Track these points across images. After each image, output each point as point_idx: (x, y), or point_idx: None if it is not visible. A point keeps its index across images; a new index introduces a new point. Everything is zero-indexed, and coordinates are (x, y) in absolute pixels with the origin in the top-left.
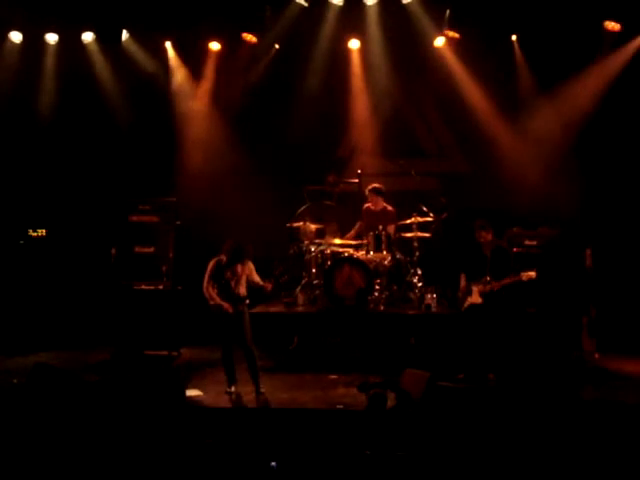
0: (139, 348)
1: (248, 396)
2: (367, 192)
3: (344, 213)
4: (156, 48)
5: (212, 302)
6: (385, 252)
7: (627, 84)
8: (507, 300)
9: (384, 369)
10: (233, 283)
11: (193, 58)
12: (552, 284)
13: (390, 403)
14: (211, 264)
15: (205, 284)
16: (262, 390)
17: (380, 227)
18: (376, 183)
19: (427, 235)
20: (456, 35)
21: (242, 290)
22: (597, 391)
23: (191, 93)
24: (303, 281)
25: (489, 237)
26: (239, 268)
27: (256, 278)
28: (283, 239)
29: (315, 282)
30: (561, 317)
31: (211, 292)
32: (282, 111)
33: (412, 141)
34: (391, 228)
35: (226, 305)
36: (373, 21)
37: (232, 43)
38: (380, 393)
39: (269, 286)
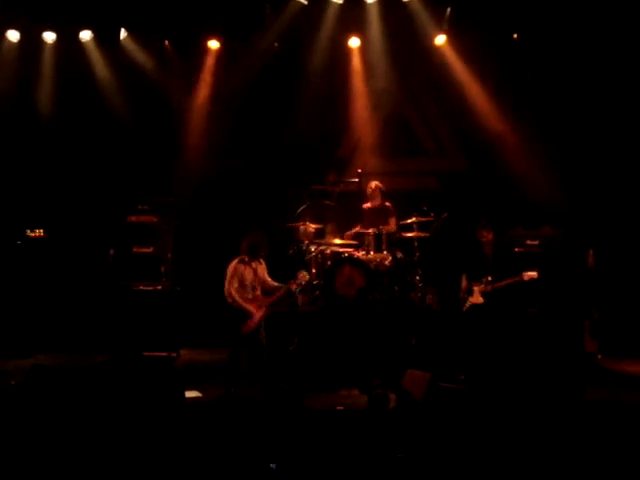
0: (138, 349)
1: (248, 396)
2: (371, 189)
3: (344, 213)
4: (155, 47)
5: (235, 305)
6: (385, 252)
7: (629, 82)
8: (509, 300)
9: (385, 370)
10: (256, 285)
11: (192, 57)
12: (554, 284)
13: (391, 404)
14: (233, 265)
15: (227, 285)
16: (263, 390)
17: (381, 226)
18: (378, 182)
19: (427, 235)
20: (457, 34)
21: (261, 292)
22: (600, 392)
23: (190, 92)
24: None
25: (490, 237)
26: (259, 269)
27: (269, 279)
28: (283, 239)
29: (315, 282)
30: (563, 318)
31: (234, 294)
32: (282, 110)
33: (412, 140)
34: (392, 222)
35: (251, 308)
36: (373, 19)
37: (231, 42)
38: (382, 394)
39: (293, 286)
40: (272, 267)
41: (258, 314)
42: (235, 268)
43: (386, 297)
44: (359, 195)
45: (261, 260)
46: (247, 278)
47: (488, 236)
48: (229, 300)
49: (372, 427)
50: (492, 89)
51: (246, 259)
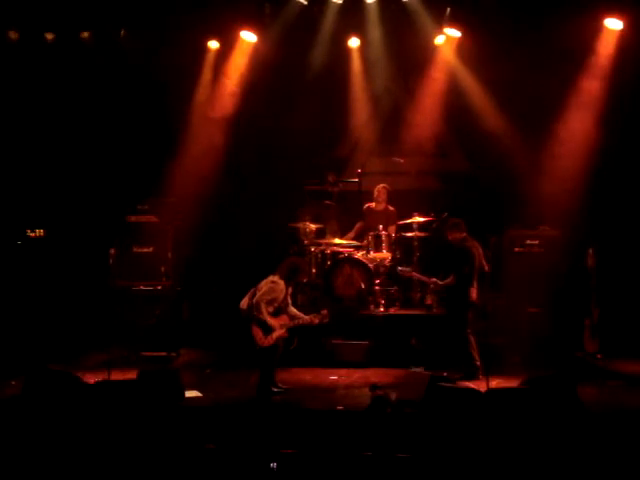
0: (137, 349)
1: (247, 397)
2: (378, 192)
3: (344, 213)
4: (154, 47)
5: (260, 317)
6: (385, 252)
7: (629, 81)
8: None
9: (385, 370)
10: (282, 305)
11: (192, 57)
12: (554, 284)
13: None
14: (273, 281)
15: (259, 298)
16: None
17: (381, 227)
18: (386, 184)
19: (427, 235)
20: (457, 34)
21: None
22: (599, 392)
23: (190, 92)
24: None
25: (458, 236)
26: (289, 292)
27: (291, 304)
28: (283, 239)
29: (315, 282)
30: (563, 317)
31: (263, 309)
32: (281, 110)
33: (412, 140)
34: (392, 228)
35: (275, 324)
36: (373, 19)
37: (231, 42)
38: (382, 396)
39: (316, 320)
40: (272, 267)
41: (277, 332)
42: (274, 285)
43: (386, 297)
44: (359, 195)
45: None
46: (279, 298)
47: (455, 236)
48: (254, 312)
49: (372, 428)
50: (492, 88)
51: (284, 280)
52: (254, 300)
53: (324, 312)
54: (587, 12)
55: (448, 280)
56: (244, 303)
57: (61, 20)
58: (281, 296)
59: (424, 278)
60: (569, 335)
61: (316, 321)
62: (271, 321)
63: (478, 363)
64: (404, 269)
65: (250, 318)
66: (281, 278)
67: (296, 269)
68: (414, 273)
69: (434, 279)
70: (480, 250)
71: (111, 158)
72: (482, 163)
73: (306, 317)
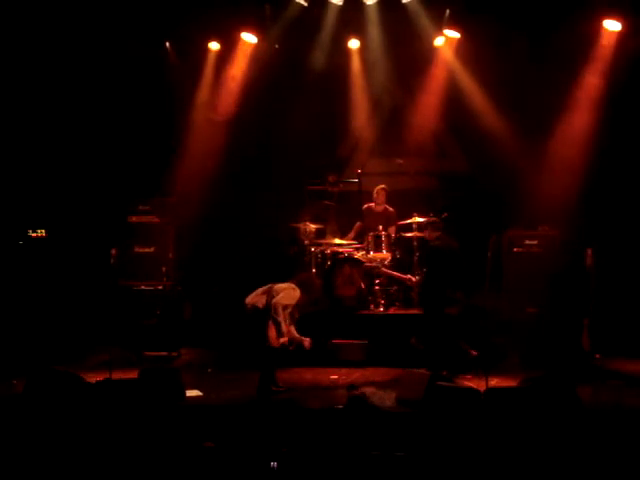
0: (138, 349)
1: (248, 396)
2: (376, 191)
3: (344, 213)
4: (155, 48)
5: (276, 317)
6: (385, 252)
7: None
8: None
9: (385, 369)
10: (289, 315)
11: (192, 58)
12: (553, 284)
13: (390, 403)
14: (295, 288)
15: (280, 299)
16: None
17: (380, 227)
18: (381, 183)
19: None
20: (456, 35)
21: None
22: (597, 392)
23: (191, 93)
24: None
25: (431, 235)
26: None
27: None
28: (283, 239)
29: None
30: (562, 317)
31: (280, 310)
32: (282, 111)
33: (412, 140)
34: (392, 229)
35: (286, 329)
36: (373, 21)
37: (231, 43)
38: (358, 396)
39: (305, 343)
40: (272, 268)
41: (284, 339)
42: (293, 292)
43: (386, 297)
44: (359, 195)
45: None
46: (290, 306)
47: (428, 235)
48: (272, 312)
49: (350, 427)
50: (491, 89)
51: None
52: (273, 301)
53: (308, 339)
54: (586, 13)
55: (419, 278)
56: (254, 300)
57: (62, 20)
58: (293, 304)
59: (397, 274)
60: (568, 335)
61: (305, 343)
62: (285, 324)
63: (474, 352)
64: (375, 265)
65: (266, 317)
66: (298, 287)
67: (311, 286)
68: (385, 269)
69: (409, 275)
70: (456, 248)
71: (112, 158)
72: (482, 163)
73: (297, 336)
